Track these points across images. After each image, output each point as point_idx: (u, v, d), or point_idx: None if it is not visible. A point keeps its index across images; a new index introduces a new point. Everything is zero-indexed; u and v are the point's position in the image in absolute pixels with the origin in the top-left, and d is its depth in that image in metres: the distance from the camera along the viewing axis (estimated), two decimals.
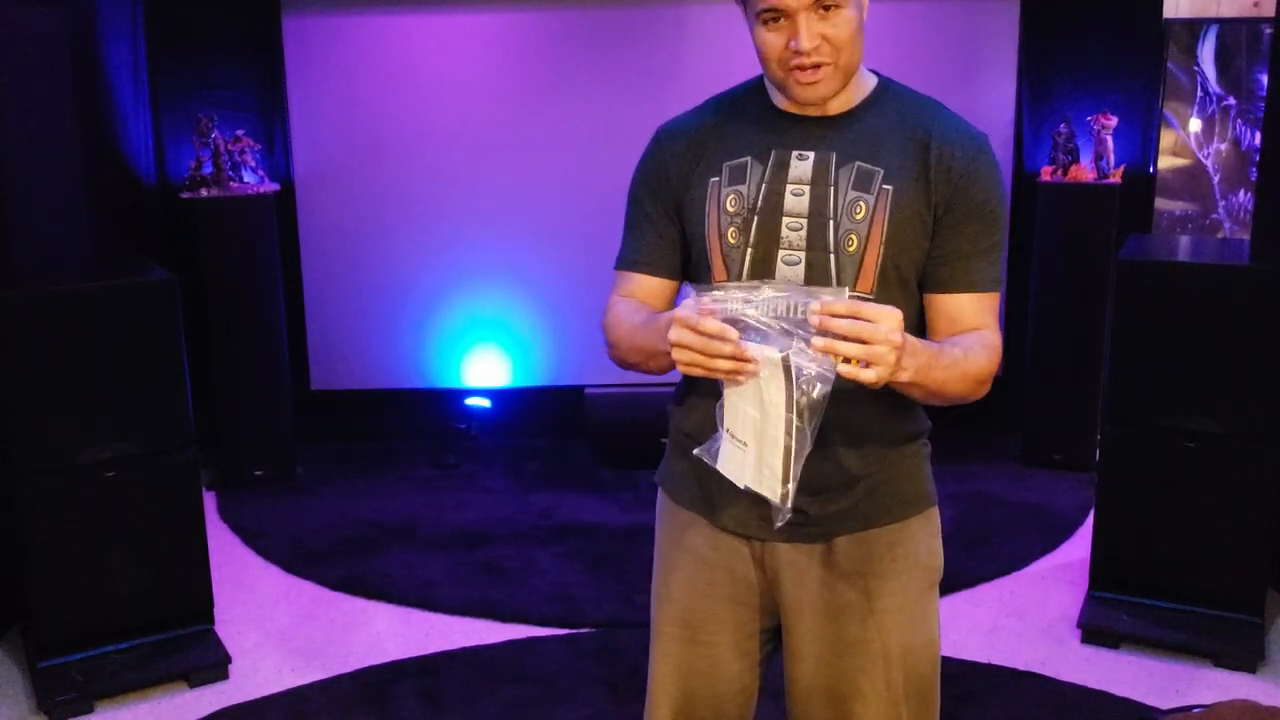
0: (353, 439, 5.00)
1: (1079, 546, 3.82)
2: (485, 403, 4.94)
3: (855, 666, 1.76)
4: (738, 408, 1.50)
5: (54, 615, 3.07)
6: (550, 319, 4.82)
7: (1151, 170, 4.49)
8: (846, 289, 1.51)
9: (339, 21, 4.65)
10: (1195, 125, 4.36)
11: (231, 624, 3.43)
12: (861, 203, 1.64)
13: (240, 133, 4.50)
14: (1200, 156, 4.37)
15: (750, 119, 1.72)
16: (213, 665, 3.17)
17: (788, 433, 1.46)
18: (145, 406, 3.11)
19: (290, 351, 4.65)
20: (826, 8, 1.57)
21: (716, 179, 1.70)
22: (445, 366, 4.91)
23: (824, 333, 1.41)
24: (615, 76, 4.64)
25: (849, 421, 1.67)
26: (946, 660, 3.17)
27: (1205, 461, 3.18)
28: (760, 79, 1.75)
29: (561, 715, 2.96)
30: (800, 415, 1.45)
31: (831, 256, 1.65)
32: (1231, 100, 4.28)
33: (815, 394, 1.43)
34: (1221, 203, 4.35)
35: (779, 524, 1.54)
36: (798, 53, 1.58)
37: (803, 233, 1.65)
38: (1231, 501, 3.17)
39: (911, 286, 1.70)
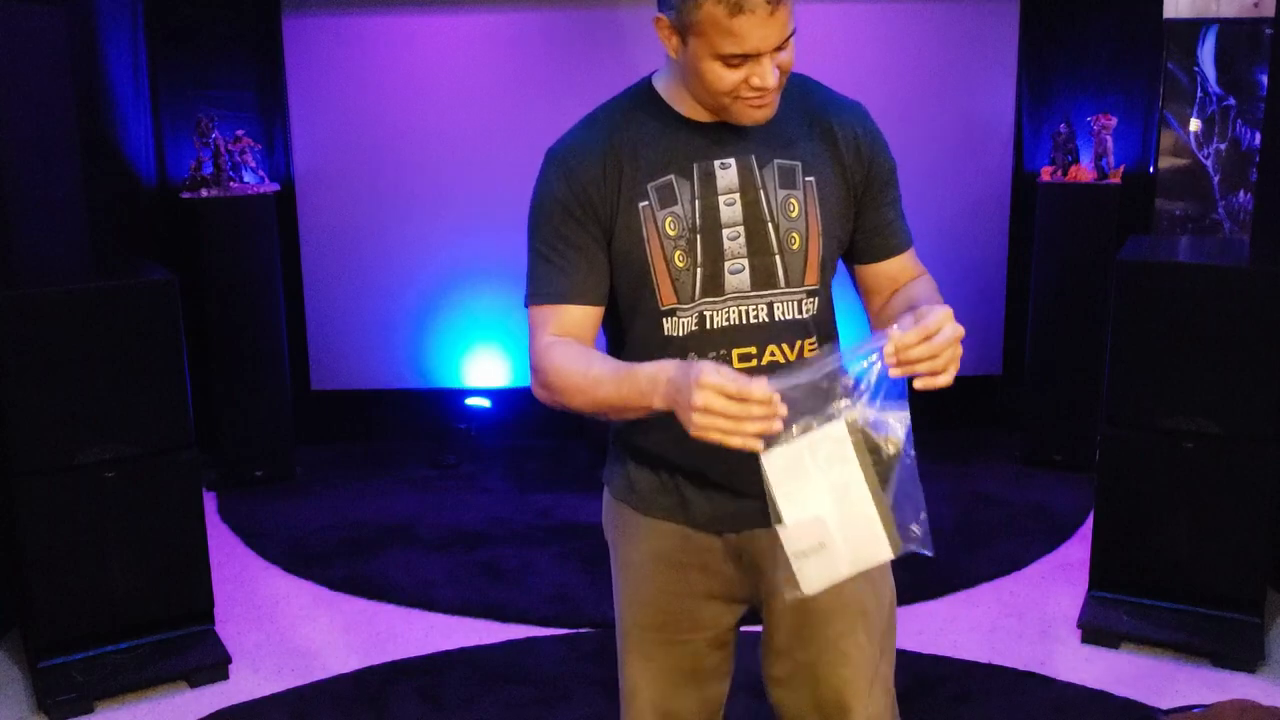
0: (352, 439, 5.00)
1: (1079, 546, 3.82)
2: (485, 403, 4.94)
3: (839, 632, 1.80)
4: (802, 522, 1.46)
5: (54, 615, 3.07)
6: None
7: (1151, 170, 4.48)
8: (894, 327, 1.47)
9: (339, 21, 4.65)
10: (1195, 125, 4.36)
11: (231, 624, 3.44)
12: (793, 199, 1.67)
13: (240, 133, 4.50)
14: (1200, 157, 4.36)
15: (656, 132, 1.67)
16: (213, 665, 3.17)
17: (875, 493, 1.47)
18: (145, 406, 3.11)
19: (290, 351, 4.65)
20: (784, 43, 1.55)
21: (646, 203, 1.65)
22: (445, 366, 4.91)
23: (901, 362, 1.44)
24: (615, 76, 4.60)
25: None
26: (947, 660, 3.18)
27: (1205, 461, 3.18)
28: (647, 85, 1.71)
29: (560, 715, 2.96)
30: (899, 453, 1.45)
31: (777, 258, 1.67)
32: (1231, 100, 4.28)
33: (900, 431, 1.44)
34: (1221, 203, 4.35)
35: (899, 554, 1.56)
36: (754, 88, 1.55)
37: (741, 240, 1.66)
38: (1231, 501, 3.17)
39: (833, 265, 1.75)
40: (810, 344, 1.71)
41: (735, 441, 1.41)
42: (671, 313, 1.67)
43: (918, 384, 1.42)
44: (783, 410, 1.40)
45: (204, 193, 4.37)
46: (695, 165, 1.65)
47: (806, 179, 1.67)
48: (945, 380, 1.45)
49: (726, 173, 1.65)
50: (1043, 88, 4.67)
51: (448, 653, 3.30)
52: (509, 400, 4.96)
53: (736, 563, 1.81)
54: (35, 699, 3.04)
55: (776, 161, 1.66)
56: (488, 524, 4.16)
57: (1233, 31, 4.24)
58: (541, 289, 1.69)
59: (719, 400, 1.39)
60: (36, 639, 3.08)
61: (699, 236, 1.65)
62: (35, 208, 3.45)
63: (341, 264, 4.82)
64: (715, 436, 1.41)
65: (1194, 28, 4.30)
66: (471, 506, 4.34)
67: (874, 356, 1.42)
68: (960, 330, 1.46)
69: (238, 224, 4.41)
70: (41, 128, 3.46)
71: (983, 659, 3.20)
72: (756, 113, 1.60)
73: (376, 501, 4.39)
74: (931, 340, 1.44)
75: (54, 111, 3.49)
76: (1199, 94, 4.33)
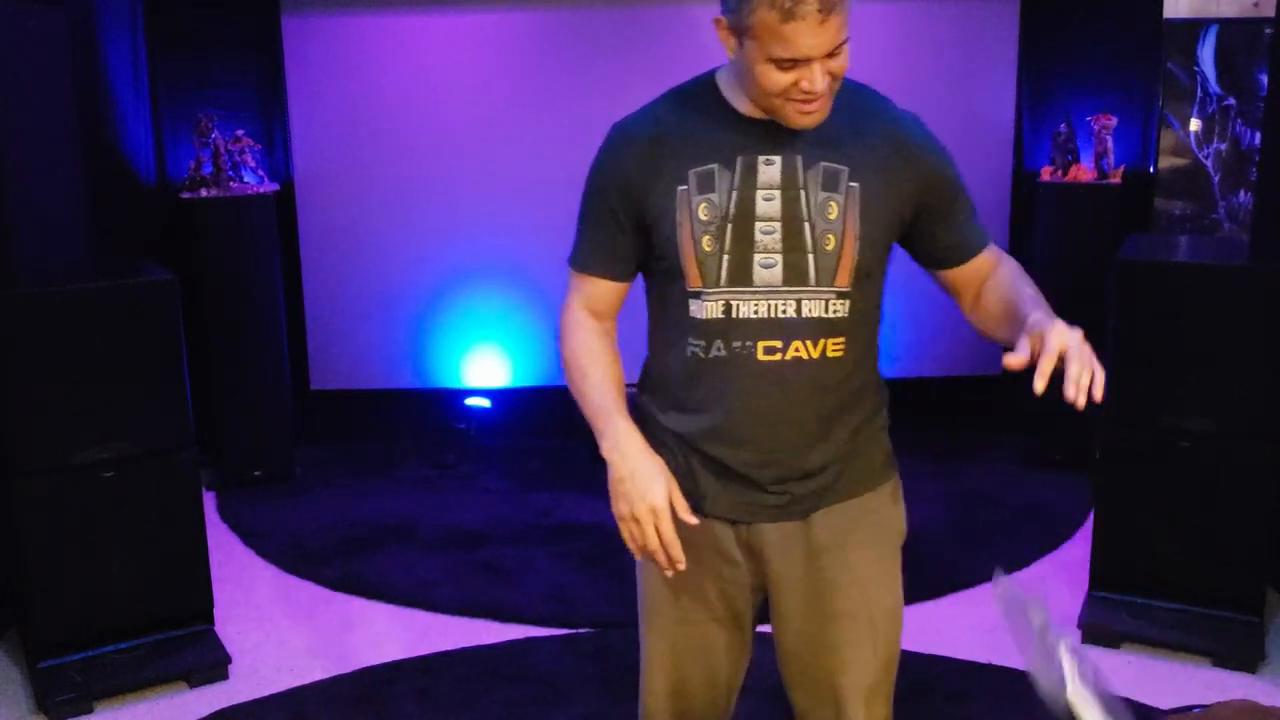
0: (352, 439, 5.00)
1: (1079, 546, 3.82)
2: (485, 403, 4.94)
3: (844, 640, 1.85)
4: None
5: (53, 615, 3.07)
6: (550, 319, 4.79)
7: (1151, 170, 4.48)
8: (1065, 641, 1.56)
9: (339, 21, 4.65)
10: (1195, 125, 4.36)
11: (231, 624, 3.43)
12: (832, 202, 1.69)
13: (240, 133, 4.50)
14: (1200, 156, 4.36)
15: (710, 123, 1.71)
16: (213, 665, 3.17)
17: None
18: (145, 406, 3.11)
19: (290, 351, 4.65)
20: (836, 50, 1.58)
21: (685, 187, 1.70)
22: (445, 366, 4.91)
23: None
24: (615, 76, 4.64)
25: (826, 409, 1.77)
26: (947, 660, 3.18)
27: (1205, 461, 3.18)
28: (711, 78, 1.76)
29: (559, 715, 2.96)
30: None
31: (810, 256, 1.70)
32: (1231, 100, 4.28)
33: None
34: (1221, 203, 4.35)
35: None
36: (804, 92, 1.59)
37: (777, 235, 1.69)
38: (1231, 501, 3.17)
39: (879, 275, 1.78)
40: (835, 344, 1.74)
41: (631, 545, 1.68)
42: (698, 295, 1.72)
43: (1080, 398, 1.53)
44: (680, 564, 1.66)
45: (204, 193, 4.37)
46: (740, 158, 1.69)
47: (851, 184, 1.69)
48: (1098, 378, 1.53)
49: (770, 168, 1.69)
50: (1043, 88, 4.67)
51: (447, 652, 3.29)
52: (509, 400, 4.97)
53: (746, 552, 1.85)
54: (35, 699, 3.04)
55: (823, 164, 1.69)
56: (487, 524, 4.16)
57: (1233, 31, 4.24)
58: (576, 255, 1.84)
59: (650, 523, 1.64)
60: (36, 639, 3.08)
61: (730, 225, 1.69)
62: (35, 208, 3.45)
63: (341, 264, 4.82)
64: (625, 533, 1.68)
65: (1194, 28, 4.30)
66: (471, 506, 4.34)
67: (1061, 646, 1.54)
68: (1078, 332, 1.54)
69: (238, 224, 4.41)
70: (41, 128, 3.46)
71: (983, 659, 3.20)
72: (805, 118, 1.64)
73: (376, 501, 4.39)
74: (1072, 362, 1.52)
75: (54, 111, 3.49)
76: (1199, 94, 4.33)
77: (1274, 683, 3.06)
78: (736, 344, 1.72)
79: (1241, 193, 4.30)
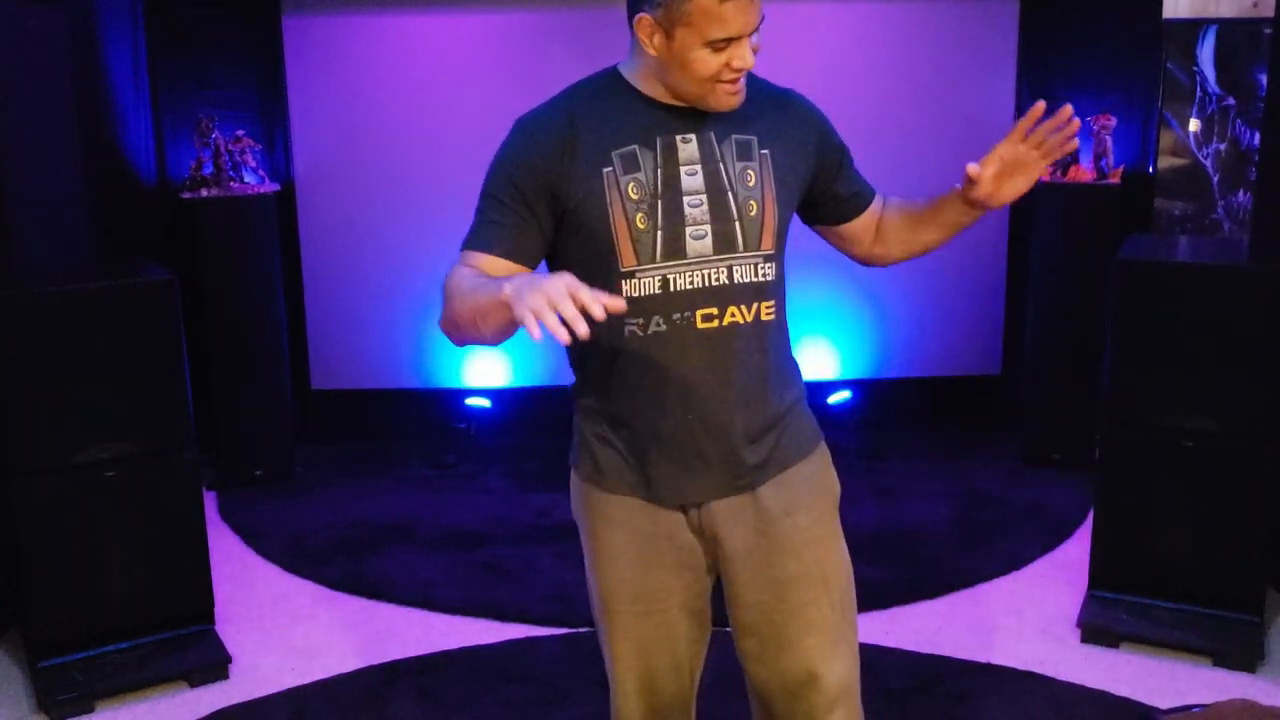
0: (353, 439, 5.00)
1: (1079, 546, 3.82)
2: (485, 403, 4.94)
3: (802, 601, 1.90)
4: None
5: (54, 615, 3.07)
6: None
7: (1151, 170, 4.49)
8: None
9: (339, 21, 4.65)
10: (1195, 125, 4.36)
11: (231, 624, 3.44)
12: (749, 170, 1.81)
13: (240, 133, 4.50)
14: (1200, 156, 4.37)
15: (622, 109, 1.79)
16: (213, 665, 3.17)
17: None
18: (145, 406, 3.11)
19: (290, 351, 4.65)
20: (758, 27, 1.72)
21: (610, 169, 1.76)
22: (445, 366, 4.91)
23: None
24: None
25: (764, 371, 1.85)
26: (947, 660, 3.18)
27: (1205, 461, 3.18)
28: (614, 71, 1.84)
29: (560, 714, 2.97)
30: None
31: (736, 224, 1.80)
32: (1231, 100, 4.28)
33: None
34: (1221, 203, 4.35)
35: None
36: (734, 70, 1.71)
37: (704, 207, 1.78)
38: (1231, 501, 3.17)
39: (785, 235, 1.88)
40: (767, 306, 1.83)
41: (550, 320, 1.45)
42: (631, 274, 1.78)
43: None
44: (582, 330, 1.44)
45: (204, 193, 4.37)
46: (658, 138, 1.78)
47: (762, 151, 1.82)
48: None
49: (688, 146, 1.78)
50: (1043, 88, 4.66)
51: (447, 652, 3.30)
52: (509, 400, 4.97)
53: (699, 535, 1.91)
54: (35, 699, 3.04)
55: (734, 136, 1.80)
56: (488, 524, 4.16)
57: (1232, 31, 4.24)
58: (473, 238, 1.82)
59: (566, 295, 1.45)
60: (36, 639, 3.08)
61: (659, 201, 1.77)
62: (35, 208, 3.45)
63: (341, 264, 4.82)
64: (530, 320, 1.46)
65: (1193, 28, 4.30)
66: (471, 506, 4.34)
67: None
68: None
69: (238, 224, 4.41)
70: (41, 128, 3.47)
71: (982, 659, 3.21)
72: (733, 98, 1.76)
73: (376, 501, 4.40)
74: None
75: (54, 111, 3.50)
76: (1199, 94, 4.33)
77: (1274, 683, 3.06)
78: (675, 315, 1.78)
79: (1241, 193, 4.30)
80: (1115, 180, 4.39)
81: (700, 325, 1.79)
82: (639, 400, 1.83)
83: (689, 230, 1.77)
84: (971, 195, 1.85)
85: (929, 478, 4.43)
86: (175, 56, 4.54)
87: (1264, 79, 4.04)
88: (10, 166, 3.34)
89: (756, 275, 1.81)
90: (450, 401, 4.96)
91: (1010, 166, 1.83)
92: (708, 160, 1.78)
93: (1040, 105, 1.78)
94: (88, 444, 3.05)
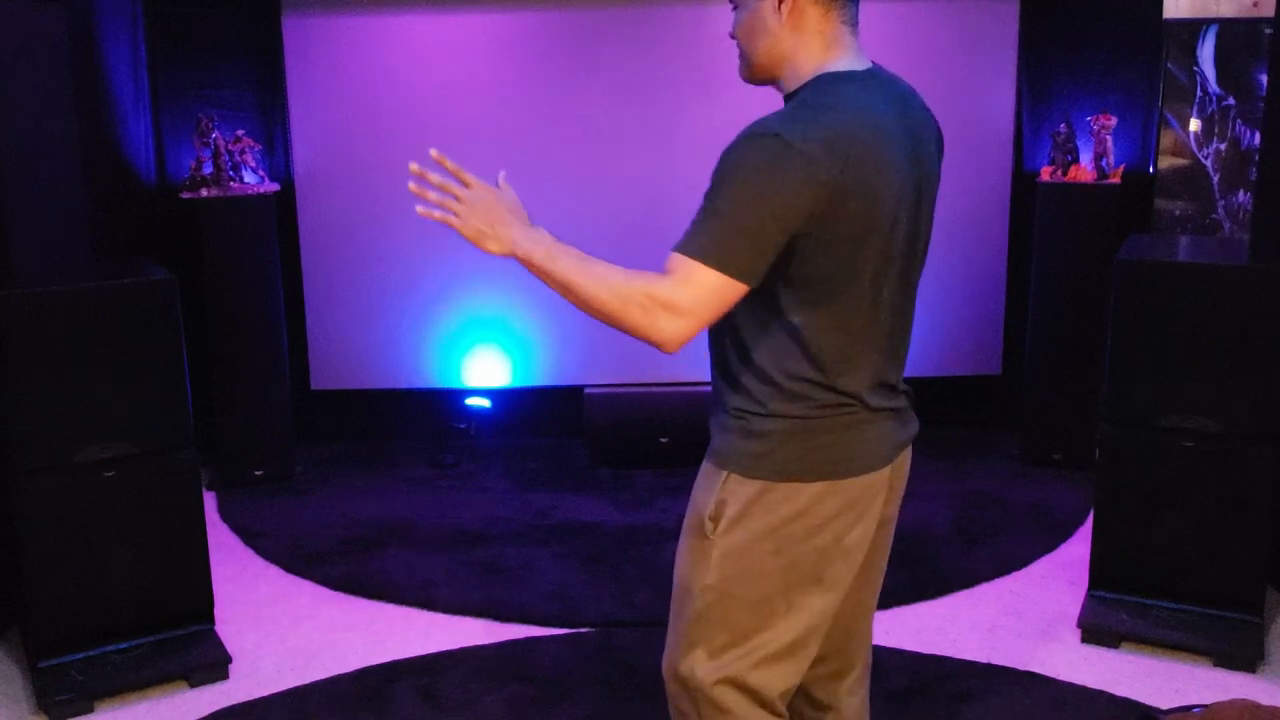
0: (353, 439, 5.00)
1: (1079, 546, 3.82)
2: (485, 403, 4.94)
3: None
4: None
5: (54, 615, 3.07)
6: (550, 319, 4.81)
7: (1151, 170, 4.49)
8: None
9: (339, 21, 4.65)
10: (1195, 125, 4.36)
11: (231, 624, 3.44)
12: None
13: (240, 133, 4.50)
14: (1200, 156, 4.37)
15: None
16: (213, 665, 3.17)
17: None
18: (145, 406, 3.11)
19: (290, 351, 4.65)
20: (734, 6, 1.88)
21: None
22: (445, 366, 4.91)
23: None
24: (615, 76, 4.64)
25: (727, 358, 1.92)
26: (947, 660, 3.18)
27: (1205, 461, 3.18)
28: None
29: (560, 715, 2.97)
30: None
31: None
32: (1231, 100, 4.28)
33: None
34: (1221, 203, 4.35)
35: None
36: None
37: None
38: (1231, 501, 3.17)
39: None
40: (742, 309, 1.87)
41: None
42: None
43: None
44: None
45: (204, 193, 4.37)
46: None
47: None
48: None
49: None
50: (1043, 87, 4.67)
51: (448, 652, 3.30)
52: (509, 400, 4.97)
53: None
54: (35, 699, 3.04)
55: None
56: (487, 523, 4.16)
57: (1232, 31, 4.24)
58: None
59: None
60: (36, 638, 3.08)
61: None
62: (35, 208, 3.45)
63: (341, 264, 4.82)
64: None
65: (1193, 28, 4.30)
66: (471, 506, 4.34)
67: None
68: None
69: (238, 224, 4.41)
70: (41, 128, 3.46)
71: (983, 659, 3.21)
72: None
73: (376, 501, 4.40)
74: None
75: (54, 111, 3.49)
76: (1199, 94, 4.33)
77: (1274, 682, 3.06)
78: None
79: (1241, 193, 4.30)
80: (1115, 180, 4.39)
81: None
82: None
83: None
84: None
85: (929, 478, 4.43)
86: (175, 56, 4.54)
87: (1264, 79, 4.04)
88: (10, 166, 3.34)
89: None
90: (450, 401, 4.96)
91: None
92: None
93: None
94: (87, 444, 3.04)
